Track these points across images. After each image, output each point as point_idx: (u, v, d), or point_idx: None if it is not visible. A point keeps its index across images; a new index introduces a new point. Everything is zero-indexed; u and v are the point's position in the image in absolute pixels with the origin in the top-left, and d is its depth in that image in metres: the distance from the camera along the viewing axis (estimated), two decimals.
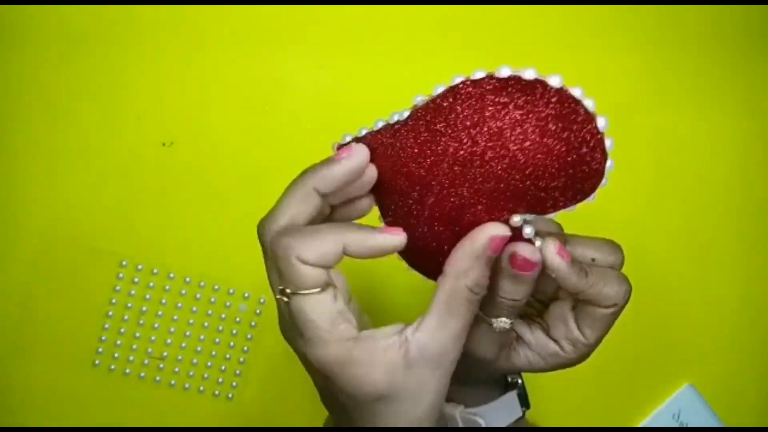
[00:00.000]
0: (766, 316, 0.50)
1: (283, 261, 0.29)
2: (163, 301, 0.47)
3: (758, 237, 0.51)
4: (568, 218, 0.50)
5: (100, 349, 0.47)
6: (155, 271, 0.47)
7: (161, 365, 0.47)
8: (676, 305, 0.50)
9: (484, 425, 0.37)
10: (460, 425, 0.38)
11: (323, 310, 0.29)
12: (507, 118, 0.28)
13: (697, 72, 0.51)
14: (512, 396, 0.40)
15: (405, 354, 0.30)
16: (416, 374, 0.30)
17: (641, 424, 0.49)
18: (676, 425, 0.49)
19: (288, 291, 0.29)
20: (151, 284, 0.47)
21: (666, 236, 0.50)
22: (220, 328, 0.48)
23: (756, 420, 0.50)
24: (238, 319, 0.48)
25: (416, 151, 0.30)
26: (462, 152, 0.29)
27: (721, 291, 0.50)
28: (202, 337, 0.48)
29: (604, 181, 0.29)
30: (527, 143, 0.28)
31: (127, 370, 0.47)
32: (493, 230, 0.30)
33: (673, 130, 0.50)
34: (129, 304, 0.47)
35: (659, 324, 0.50)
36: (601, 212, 0.50)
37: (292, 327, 0.30)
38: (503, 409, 0.39)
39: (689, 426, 0.49)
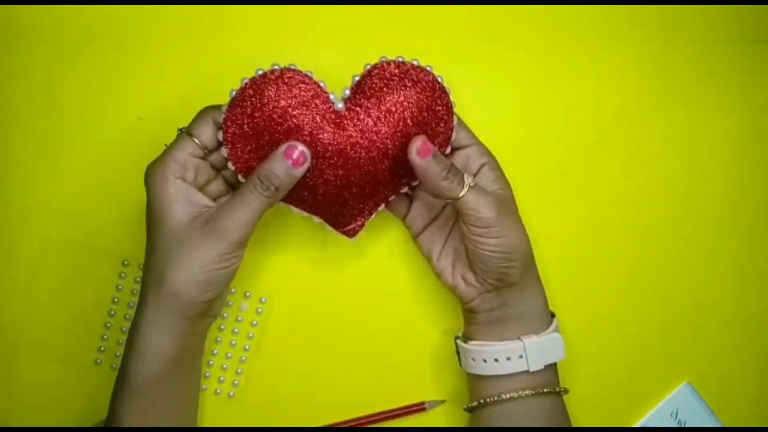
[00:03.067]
0: (764, 315, 0.51)
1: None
2: None
3: (756, 236, 0.51)
4: (568, 217, 0.51)
5: (102, 348, 0.47)
6: None
7: None
8: (675, 304, 0.50)
9: (523, 353, 0.42)
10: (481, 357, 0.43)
11: (184, 146, 0.40)
12: None
13: (696, 72, 0.51)
14: (556, 337, 0.43)
15: (196, 213, 0.39)
16: (190, 233, 0.39)
17: (639, 423, 0.49)
18: (674, 424, 0.50)
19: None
20: None
21: (664, 235, 0.50)
22: (222, 326, 0.48)
23: (754, 419, 0.50)
24: (239, 318, 0.48)
25: None
26: None
27: (719, 290, 0.51)
28: None
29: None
30: None
31: None
32: (294, 143, 0.40)
33: (671, 131, 0.51)
34: (131, 303, 0.47)
35: (657, 323, 0.50)
36: (601, 212, 0.50)
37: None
38: (547, 344, 0.43)
39: (687, 425, 0.50)
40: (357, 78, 0.41)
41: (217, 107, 0.41)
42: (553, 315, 0.45)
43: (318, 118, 0.40)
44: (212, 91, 0.48)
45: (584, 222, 0.50)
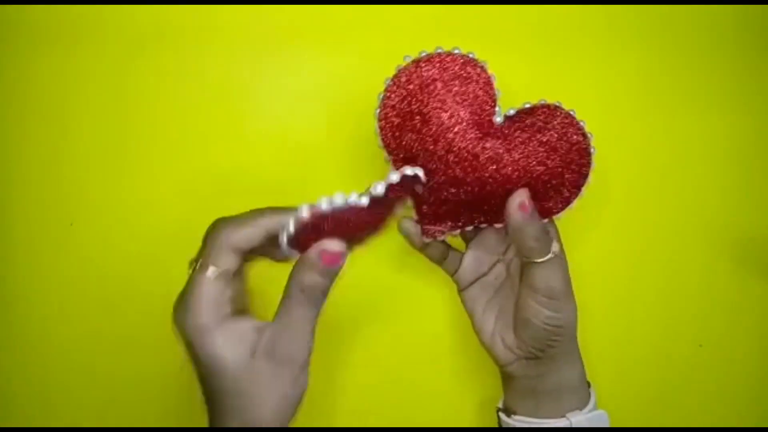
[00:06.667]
0: (760, 316, 0.51)
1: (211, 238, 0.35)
2: None
3: (755, 238, 0.51)
4: (567, 216, 0.51)
5: (103, 349, 0.47)
6: None
7: None
8: (673, 304, 0.51)
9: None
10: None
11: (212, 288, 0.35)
12: None
13: (695, 73, 0.51)
14: (602, 414, 0.42)
15: (252, 346, 0.35)
16: (259, 369, 0.35)
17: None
18: None
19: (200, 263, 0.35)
20: None
21: (663, 235, 0.51)
22: None
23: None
24: None
25: None
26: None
27: (718, 290, 0.51)
28: None
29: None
30: None
31: None
32: (327, 245, 0.35)
33: (671, 131, 0.51)
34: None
35: (654, 322, 0.50)
36: (600, 213, 0.50)
37: (181, 295, 0.35)
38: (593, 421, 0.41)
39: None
40: (521, 107, 0.41)
41: (231, 225, 0.36)
42: (588, 384, 0.43)
43: (472, 122, 0.40)
44: (209, 101, 0.48)
45: (583, 223, 0.50)
